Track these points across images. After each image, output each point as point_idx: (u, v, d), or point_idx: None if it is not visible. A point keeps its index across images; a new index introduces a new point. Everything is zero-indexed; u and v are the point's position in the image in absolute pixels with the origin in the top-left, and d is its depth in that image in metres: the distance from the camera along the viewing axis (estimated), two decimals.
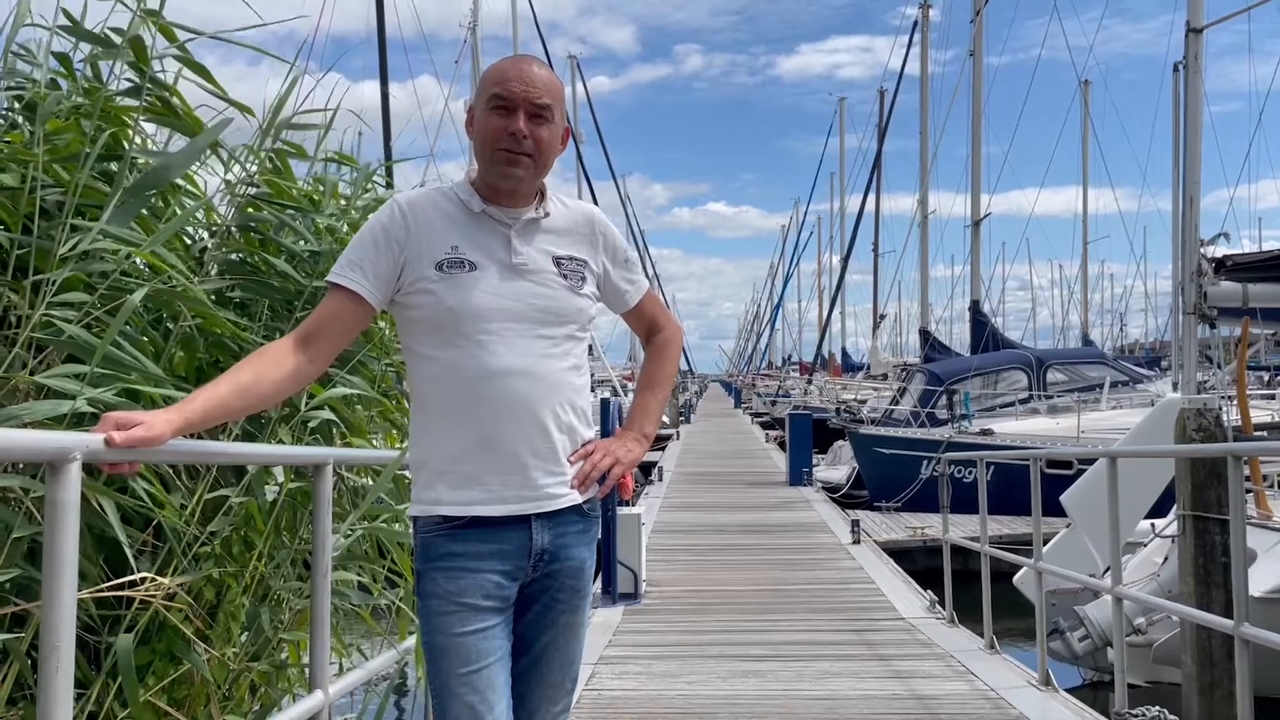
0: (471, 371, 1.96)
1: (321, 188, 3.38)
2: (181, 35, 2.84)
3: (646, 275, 2.34)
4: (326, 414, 3.03)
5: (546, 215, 2.07)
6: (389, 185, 4.26)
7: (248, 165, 3.09)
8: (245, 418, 2.68)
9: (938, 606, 7.09)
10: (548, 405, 2.00)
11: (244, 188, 3.09)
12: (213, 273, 2.97)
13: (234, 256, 3.14)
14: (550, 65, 2.21)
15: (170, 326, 2.75)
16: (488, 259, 2.00)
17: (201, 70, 2.88)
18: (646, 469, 17.23)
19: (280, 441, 2.90)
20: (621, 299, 2.22)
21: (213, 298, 2.95)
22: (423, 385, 2.03)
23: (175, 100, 2.89)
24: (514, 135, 1.97)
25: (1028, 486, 5.52)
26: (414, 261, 1.99)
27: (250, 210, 3.12)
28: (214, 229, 3.09)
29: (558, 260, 2.06)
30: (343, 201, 3.49)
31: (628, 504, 8.43)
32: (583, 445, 2.07)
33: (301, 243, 3.12)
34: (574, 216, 2.13)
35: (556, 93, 2.05)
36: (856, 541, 10.20)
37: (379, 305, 2.01)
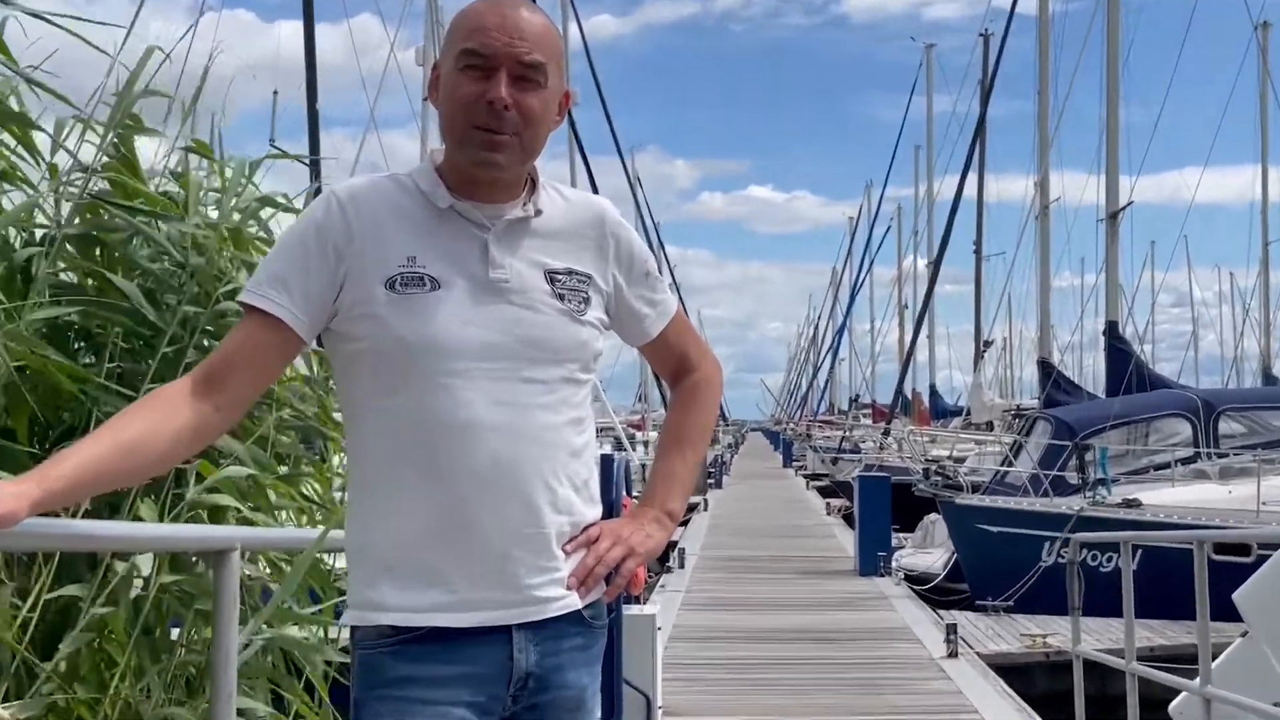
0: (431, 426, 1.97)
1: (176, 187, 3.39)
2: None
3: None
4: (224, 499, 3.07)
5: (538, 213, 2.10)
6: (315, 173, 4.26)
7: (90, 146, 3.13)
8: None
9: None
10: (537, 474, 2.01)
11: (85, 181, 3.12)
12: (45, 296, 2.99)
13: (70, 276, 3.18)
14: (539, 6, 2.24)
15: None
16: (456, 274, 2.02)
17: None
18: (664, 552, 17.20)
19: (139, 519, 2.91)
20: (640, 325, 2.25)
21: (44, 330, 2.97)
22: (364, 446, 2.05)
23: None
24: (493, 105, 1.99)
25: (1189, 579, 5.49)
26: (357, 277, 2.00)
27: (90, 216, 3.16)
28: (43, 239, 3.11)
29: (552, 275, 2.08)
30: (212, 210, 3.46)
31: (637, 601, 8.41)
32: (584, 529, 2.08)
33: (165, 259, 3.15)
34: (576, 214, 2.16)
35: (551, 46, 2.08)
36: (953, 654, 10.16)
37: (309, 334, 2.02)
